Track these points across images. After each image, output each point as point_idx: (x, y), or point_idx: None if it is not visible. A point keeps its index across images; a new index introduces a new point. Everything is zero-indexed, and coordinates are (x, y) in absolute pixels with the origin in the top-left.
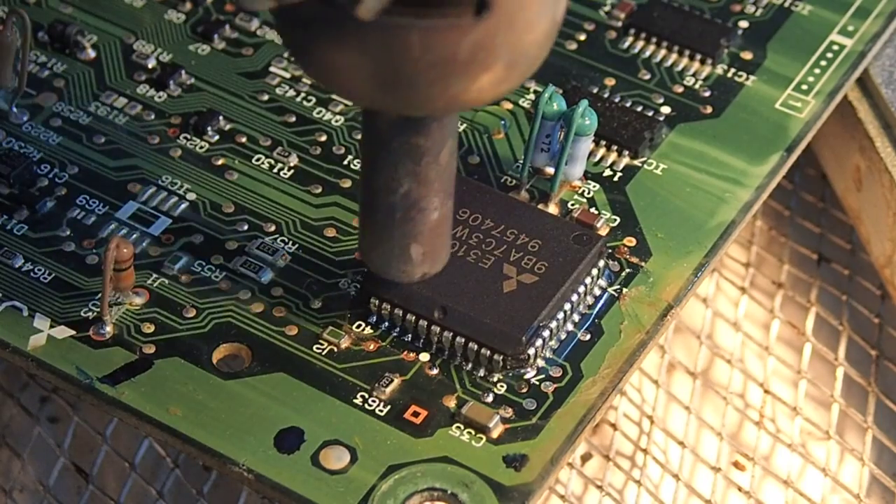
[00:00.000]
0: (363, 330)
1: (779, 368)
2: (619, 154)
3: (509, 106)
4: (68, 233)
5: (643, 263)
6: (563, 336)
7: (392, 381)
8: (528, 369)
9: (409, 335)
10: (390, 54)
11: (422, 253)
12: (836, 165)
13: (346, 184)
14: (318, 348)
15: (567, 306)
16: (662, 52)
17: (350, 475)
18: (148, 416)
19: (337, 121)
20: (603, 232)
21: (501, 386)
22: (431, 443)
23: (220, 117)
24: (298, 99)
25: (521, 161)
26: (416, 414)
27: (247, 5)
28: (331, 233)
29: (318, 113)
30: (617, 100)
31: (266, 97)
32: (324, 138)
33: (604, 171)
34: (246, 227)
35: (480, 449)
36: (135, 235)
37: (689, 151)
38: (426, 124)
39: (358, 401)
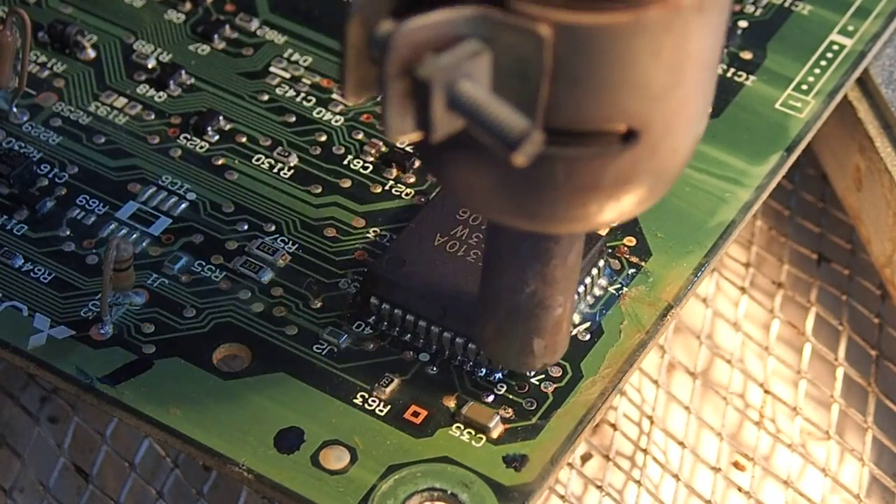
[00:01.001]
0: (363, 330)
1: (779, 368)
2: None
3: None
4: (68, 233)
5: (643, 263)
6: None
7: (392, 380)
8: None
9: (409, 335)
10: (534, 182)
11: (544, 346)
12: (836, 165)
13: (346, 184)
14: (318, 348)
15: None
16: None
17: (350, 475)
18: (148, 416)
19: (337, 121)
20: (603, 232)
21: (501, 386)
22: (431, 443)
23: (220, 117)
24: (298, 99)
25: None
26: (415, 414)
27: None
28: (331, 233)
29: (318, 113)
30: None
31: (266, 97)
32: (324, 138)
33: None
34: (246, 227)
35: (480, 449)
36: (135, 235)
37: None
38: (555, 234)
39: (358, 401)
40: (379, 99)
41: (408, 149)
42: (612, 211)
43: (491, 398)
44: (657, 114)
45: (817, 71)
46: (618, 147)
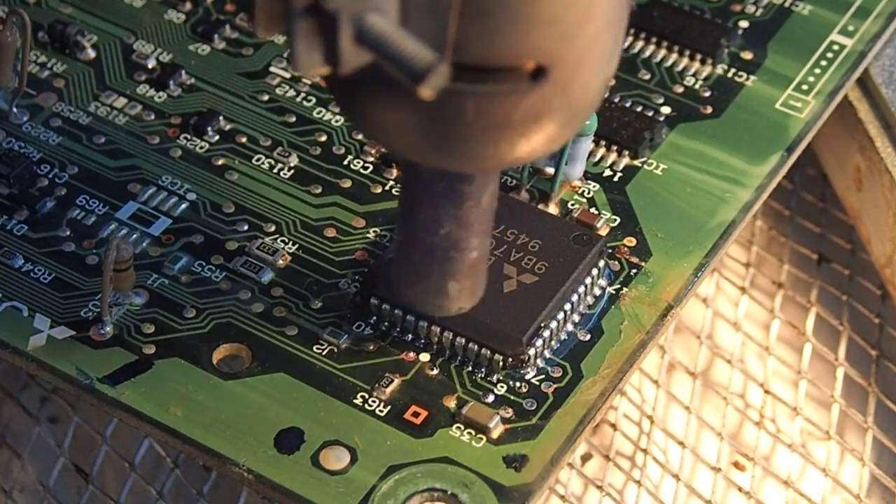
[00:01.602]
0: (363, 330)
1: (779, 368)
2: (619, 154)
3: None
4: (68, 233)
5: (643, 263)
6: (563, 336)
7: (392, 381)
8: (529, 369)
9: (409, 335)
10: (444, 118)
11: (459, 289)
12: (837, 165)
13: (347, 184)
14: (318, 348)
15: (567, 306)
16: (662, 51)
17: (350, 475)
18: (148, 416)
19: (337, 121)
20: (603, 232)
21: (501, 386)
22: (431, 443)
23: (220, 117)
24: (298, 99)
25: None
26: (416, 414)
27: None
28: (331, 233)
29: (318, 113)
30: (617, 100)
31: (266, 97)
32: (324, 138)
33: (604, 171)
34: (246, 228)
35: (480, 449)
36: (135, 235)
37: (689, 151)
38: (471, 176)
39: (358, 401)
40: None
41: None
42: (523, 148)
43: (491, 398)
44: (567, 50)
45: (817, 71)
46: (527, 84)
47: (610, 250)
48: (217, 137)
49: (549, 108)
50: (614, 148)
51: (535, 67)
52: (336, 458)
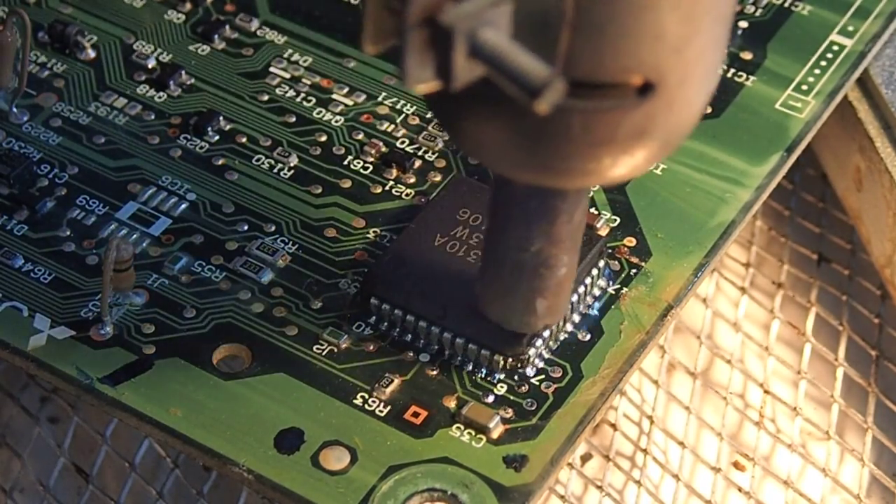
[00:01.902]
0: (363, 330)
1: (779, 369)
2: None
3: None
4: (68, 233)
5: (643, 263)
6: (563, 336)
7: (392, 381)
8: (529, 369)
9: (410, 335)
10: (549, 135)
11: (546, 306)
12: (837, 165)
13: (347, 184)
14: (318, 349)
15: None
16: None
17: (350, 476)
18: (148, 416)
19: (337, 121)
20: (603, 232)
21: (501, 386)
22: (431, 443)
23: (220, 117)
24: (298, 99)
25: None
26: (416, 414)
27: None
28: (331, 233)
29: (318, 113)
30: None
31: (266, 97)
32: (324, 138)
33: None
34: (246, 228)
35: (480, 449)
36: (135, 236)
37: (689, 151)
38: (563, 190)
39: (358, 401)
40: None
41: (408, 149)
42: (625, 165)
43: (491, 398)
44: (674, 65)
45: (817, 71)
46: (634, 99)
47: (610, 250)
48: (217, 137)
49: (654, 124)
50: None
51: (642, 83)
52: (336, 459)
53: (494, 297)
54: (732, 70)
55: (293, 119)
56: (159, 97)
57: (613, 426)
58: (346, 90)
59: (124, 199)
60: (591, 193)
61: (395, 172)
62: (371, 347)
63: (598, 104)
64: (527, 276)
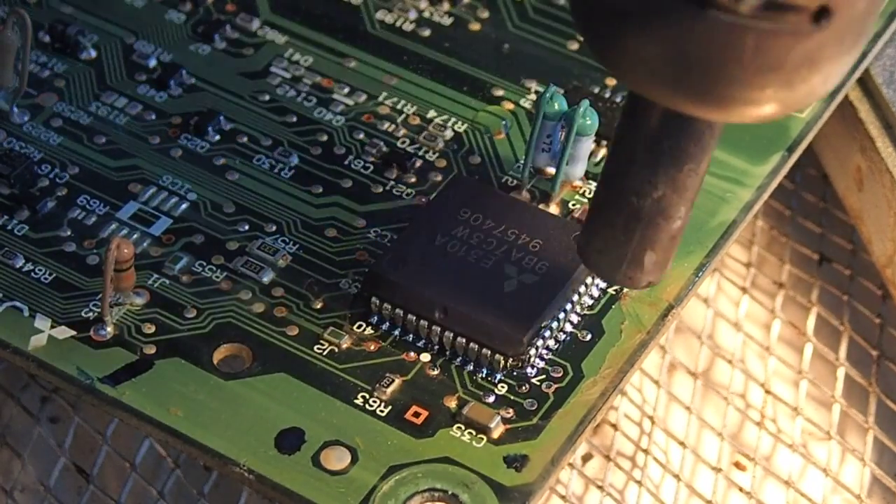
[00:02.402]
0: (364, 330)
1: (780, 368)
2: None
3: (511, 106)
4: (69, 233)
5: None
6: (563, 336)
7: (393, 381)
8: (529, 369)
9: (410, 335)
10: (720, 53)
11: (654, 261)
12: (837, 165)
13: (347, 184)
14: (318, 349)
15: (568, 306)
16: None
17: (351, 476)
18: (148, 416)
19: (338, 121)
20: None
21: (502, 386)
22: (432, 443)
23: (221, 117)
24: (299, 99)
25: (523, 161)
26: (416, 414)
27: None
28: (332, 233)
29: (318, 113)
30: (618, 100)
31: (267, 97)
32: (324, 138)
33: None
34: (247, 228)
35: (481, 449)
36: (135, 235)
37: None
38: (700, 130)
39: (359, 401)
40: None
41: (409, 149)
42: (782, 100)
43: (492, 398)
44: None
45: None
46: (809, 25)
47: None
48: (218, 137)
49: (821, 56)
50: None
51: (819, 7)
52: (337, 459)
53: (600, 248)
54: None
55: (294, 119)
56: (160, 97)
57: (614, 426)
58: (346, 90)
59: (125, 198)
60: (592, 193)
61: (395, 172)
62: (372, 347)
63: (774, 26)
64: (642, 225)
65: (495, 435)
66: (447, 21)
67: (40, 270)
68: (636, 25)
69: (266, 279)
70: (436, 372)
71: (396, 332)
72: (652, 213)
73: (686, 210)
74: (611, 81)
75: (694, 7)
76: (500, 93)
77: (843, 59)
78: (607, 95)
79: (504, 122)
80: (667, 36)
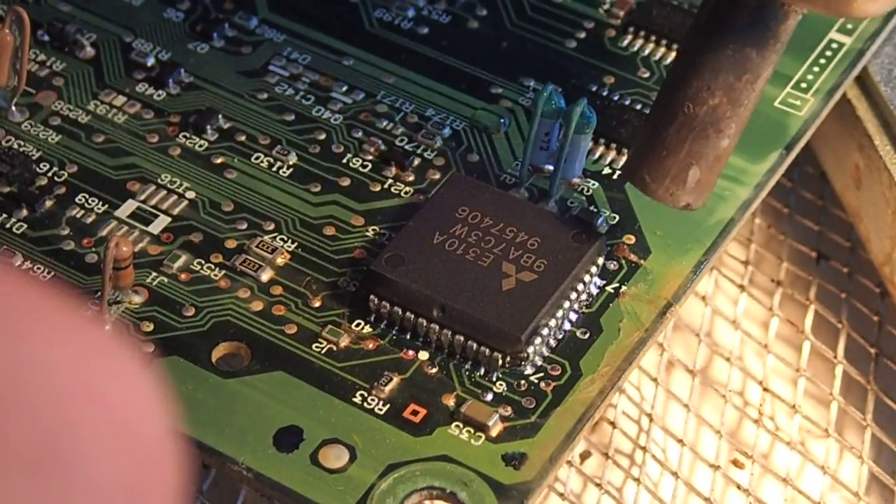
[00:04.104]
0: (362, 328)
1: (778, 366)
2: (619, 152)
3: (509, 104)
4: (67, 231)
5: (642, 261)
6: (562, 334)
7: (391, 379)
8: (527, 367)
9: (408, 333)
10: None
11: (697, 180)
12: (835, 163)
13: (346, 182)
14: (317, 347)
15: (566, 304)
16: (662, 50)
17: (349, 474)
18: None
19: (336, 119)
20: (602, 230)
21: (500, 384)
22: (430, 441)
23: (220, 116)
24: (297, 97)
25: (521, 159)
26: (415, 412)
27: None
28: (330, 231)
29: (317, 111)
30: (616, 98)
31: (265, 95)
32: (323, 137)
33: (603, 169)
34: (245, 226)
35: (479, 447)
36: (134, 234)
37: None
38: (766, 38)
39: (357, 399)
40: None
41: (407, 147)
42: None
43: (490, 396)
44: None
45: (816, 69)
46: None
47: (609, 248)
48: (216, 136)
49: None
50: (613, 146)
51: None
52: (335, 457)
53: (648, 157)
54: None
55: (292, 117)
56: (158, 95)
57: (612, 424)
58: (345, 88)
59: (123, 197)
60: (591, 192)
61: (394, 170)
62: (370, 345)
63: None
64: (693, 134)
65: (493, 433)
66: (445, 19)
67: (39, 269)
68: None
69: (264, 277)
70: (434, 370)
71: (394, 331)
72: (705, 122)
73: (736, 128)
74: (609, 80)
75: None
76: (498, 91)
77: None
78: (605, 94)
79: (502, 121)
80: None
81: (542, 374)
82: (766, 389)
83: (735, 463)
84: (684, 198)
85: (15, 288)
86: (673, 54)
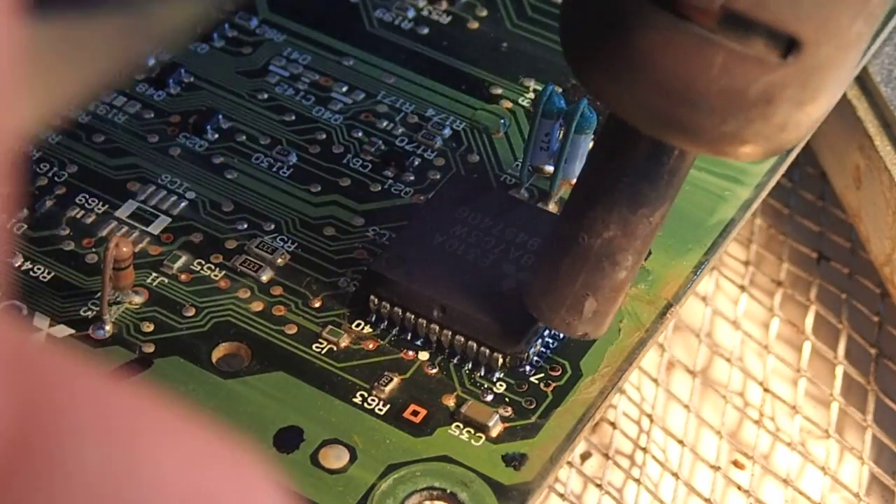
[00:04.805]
0: (362, 329)
1: (778, 367)
2: None
3: (509, 105)
4: (67, 232)
5: (643, 262)
6: (562, 335)
7: (391, 379)
8: (528, 368)
9: (409, 334)
10: (688, 68)
11: (593, 311)
12: (836, 163)
13: (346, 182)
14: (317, 347)
15: None
16: None
17: (349, 474)
18: None
19: (336, 119)
20: None
21: (501, 385)
22: (431, 442)
23: (220, 116)
24: (297, 97)
25: (521, 159)
26: (415, 413)
27: None
28: (330, 231)
29: (317, 111)
30: None
31: (265, 96)
32: (323, 137)
33: None
34: (245, 226)
35: (480, 448)
36: (134, 234)
37: None
38: (660, 173)
39: (357, 400)
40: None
41: (407, 147)
42: (740, 136)
43: (490, 397)
44: (826, 35)
45: None
46: (777, 56)
47: None
48: (216, 136)
49: (782, 95)
50: None
51: (790, 38)
52: (335, 457)
53: (542, 288)
54: None
55: (292, 117)
56: (158, 95)
57: (613, 424)
58: (345, 88)
59: (123, 197)
60: None
61: (394, 171)
62: (370, 346)
63: (744, 49)
64: (588, 266)
65: (494, 433)
66: (445, 20)
67: (39, 269)
68: (609, 33)
69: (264, 278)
70: (434, 370)
71: (395, 331)
72: (599, 254)
73: (633, 261)
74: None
75: (670, 17)
76: (498, 91)
77: (804, 109)
78: None
79: (502, 121)
80: (640, 44)
81: (542, 375)
82: (766, 390)
83: (735, 464)
84: (581, 328)
85: (125, 400)
86: None
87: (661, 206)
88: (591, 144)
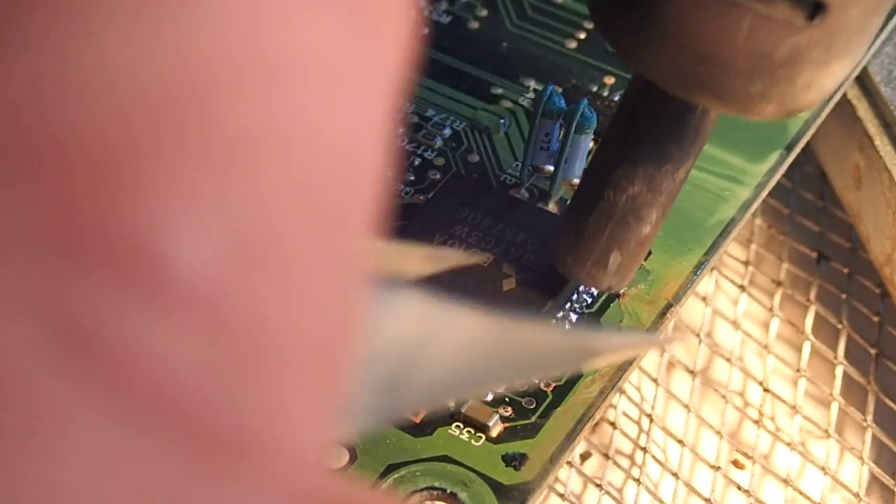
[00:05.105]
0: None
1: (778, 367)
2: None
3: (509, 105)
4: None
5: (642, 261)
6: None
7: None
8: None
9: None
10: (716, 31)
11: (618, 264)
12: (836, 163)
13: None
14: None
15: (567, 304)
16: None
17: (349, 474)
18: None
19: None
20: None
21: None
22: (430, 442)
23: None
24: None
25: (521, 159)
26: (415, 413)
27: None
28: None
29: None
30: (616, 98)
31: None
32: None
33: None
34: None
35: (480, 448)
36: None
37: None
38: (685, 131)
39: None
40: None
41: (407, 147)
42: (765, 96)
43: (490, 397)
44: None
45: None
46: (803, 19)
47: None
48: None
49: (808, 56)
50: None
51: (815, 1)
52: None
53: (569, 243)
54: None
55: None
56: None
57: (613, 424)
58: None
59: None
60: None
61: (393, 171)
62: None
63: (771, 12)
64: (613, 221)
65: (494, 433)
66: (445, 19)
67: None
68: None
69: None
70: None
71: None
72: (624, 211)
73: (657, 216)
74: (609, 80)
75: None
76: (498, 91)
77: (828, 69)
78: (606, 94)
79: (502, 121)
80: (669, 8)
81: None
82: (766, 390)
83: (735, 464)
84: (606, 280)
85: None
86: None
87: (686, 162)
88: (591, 144)
